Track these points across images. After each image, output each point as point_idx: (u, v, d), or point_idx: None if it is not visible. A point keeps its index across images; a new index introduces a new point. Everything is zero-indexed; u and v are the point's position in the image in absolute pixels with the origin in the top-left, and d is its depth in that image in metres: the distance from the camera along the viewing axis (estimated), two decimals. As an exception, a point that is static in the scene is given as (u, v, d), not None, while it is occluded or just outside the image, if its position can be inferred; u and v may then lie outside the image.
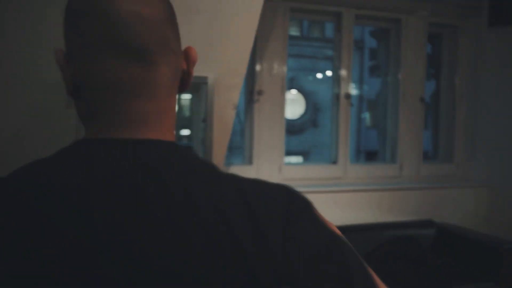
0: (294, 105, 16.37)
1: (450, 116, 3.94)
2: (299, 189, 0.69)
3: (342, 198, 3.34)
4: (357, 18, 3.46)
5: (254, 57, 3.17)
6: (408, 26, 3.60)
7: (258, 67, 3.21)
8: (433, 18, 3.68)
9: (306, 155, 15.85)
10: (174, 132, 0.62)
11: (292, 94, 16.48)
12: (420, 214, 3.45)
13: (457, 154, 3.91)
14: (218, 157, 1.88)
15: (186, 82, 0.66)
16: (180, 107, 3.00)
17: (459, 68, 3.85)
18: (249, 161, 3.28)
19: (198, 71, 2.00)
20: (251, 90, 3.23)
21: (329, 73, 8.00)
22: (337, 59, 3.52)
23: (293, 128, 15.96)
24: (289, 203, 0.59)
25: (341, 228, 3.08)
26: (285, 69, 3.27)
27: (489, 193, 3.69)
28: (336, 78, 3.54)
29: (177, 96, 0.64)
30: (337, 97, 3.53)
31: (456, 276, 2.84)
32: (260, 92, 3.21)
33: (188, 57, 0.65)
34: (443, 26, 3.83)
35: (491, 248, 2.94)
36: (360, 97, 16.61)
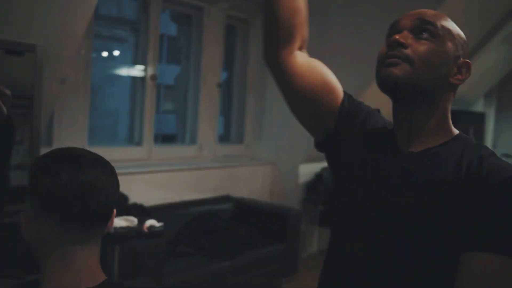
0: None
1: (241, 102, 4.37)
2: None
3: (149, 179, 3.36)
4: (164, 1, 3.48)
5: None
6: (210, 15, 3.82)
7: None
8: (230, 11, 3.99)
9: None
10: None
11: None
12: (219, 191, 3.77)
13: (246, 136, 4.38)
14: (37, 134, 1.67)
15: None
16: None
17: (250, 59, 4.30)
18: (49, 143, 2.97)
19: (23, 37, 1.73)
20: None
21: (116, 53, 7.67)
22: (142, 41, 3.48)
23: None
24: None
25: (152, 208, 3.10)
26: (90, 49, 3.06)
27: (273, 169, 4.27)
28: (142, 61, 3.50)
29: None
30: (141, 79, 3.50)
31: (253, 242, 3.23)
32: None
33: None
34: (238, 19, 4.20)
35: (279, 216, 3.45)
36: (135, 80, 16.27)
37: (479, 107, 5.77)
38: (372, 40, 3.55)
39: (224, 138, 4.44)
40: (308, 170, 4.15)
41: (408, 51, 0.82)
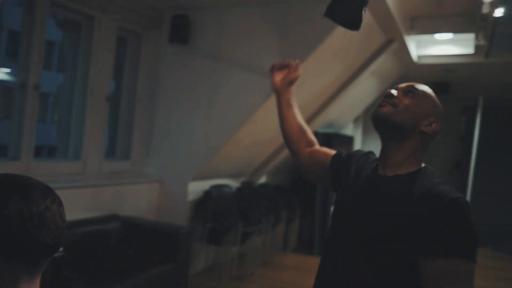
0: None
1: (129, 116, 4.24)
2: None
3: (27, 198, 3.05)
4: (52, 5, 3.25)
5: None
6: (101, 25, 3.66)
7: None
8: (122, 22, 3.88)
9: None
10: None
11: None
12: (105, 209, 3.58)
13: (134, 152, 4.25)
14: None
15: None
16: None
17: (140, 73, 4.20)
18: None
19: None
20: None
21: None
22: (25, 45, 3.19)
23: None
24: None
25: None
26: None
27: (160, 187, 4.20)
28: (22, 67, 3.20)
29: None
30: (21, 87, 3.20)
31: (144, 262, 3.13)
32: None
33: None
34: (130, 32, 4.09)
35: (169, 234, 3.40)
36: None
37: (349, 130, 6.41)
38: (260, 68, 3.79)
39: (109, 153, 4.24)
40: (197, 187, 4.17)
41: (395, 100, 1.17)
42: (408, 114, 1.15)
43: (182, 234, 3.42)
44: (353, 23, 1.34)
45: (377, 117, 1.17)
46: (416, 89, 1.18)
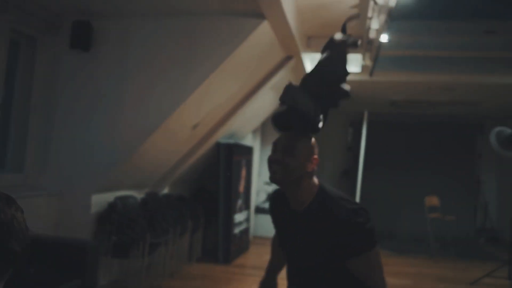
0: None
1: (23, 126, 3.93)
2: None
3: None
4: None
5: None
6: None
7: None
8: (16, 25, 3.61)
9: None
10: None
11: None
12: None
13: (28, 164, 3.95)
14: None
15: None
16: None
17: (36, 79, 3.94)
18: None
19: None
20: None
21: None
22: None
23: None
24: None
25: None
26: None
27: (59, 200, 3.95)
28: None
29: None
30: None
31: (47, 281, 2.93)
32: None
33: None
34: (23, 35, 3.82)
35: (75, 249, 3.23)
36: None
37: (248, 141, 6.64)
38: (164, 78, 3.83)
39: (-2, 165, 3.89)
40: (101, 199, 4.02)
41: (281, 165, 1.43)
42: (295, 169, 1.42)
43: (89, 248, 3.28)
44: (313, 128, 1.50)
45: (275, 182, 1.46)
46: (292, 146, 1.43)
